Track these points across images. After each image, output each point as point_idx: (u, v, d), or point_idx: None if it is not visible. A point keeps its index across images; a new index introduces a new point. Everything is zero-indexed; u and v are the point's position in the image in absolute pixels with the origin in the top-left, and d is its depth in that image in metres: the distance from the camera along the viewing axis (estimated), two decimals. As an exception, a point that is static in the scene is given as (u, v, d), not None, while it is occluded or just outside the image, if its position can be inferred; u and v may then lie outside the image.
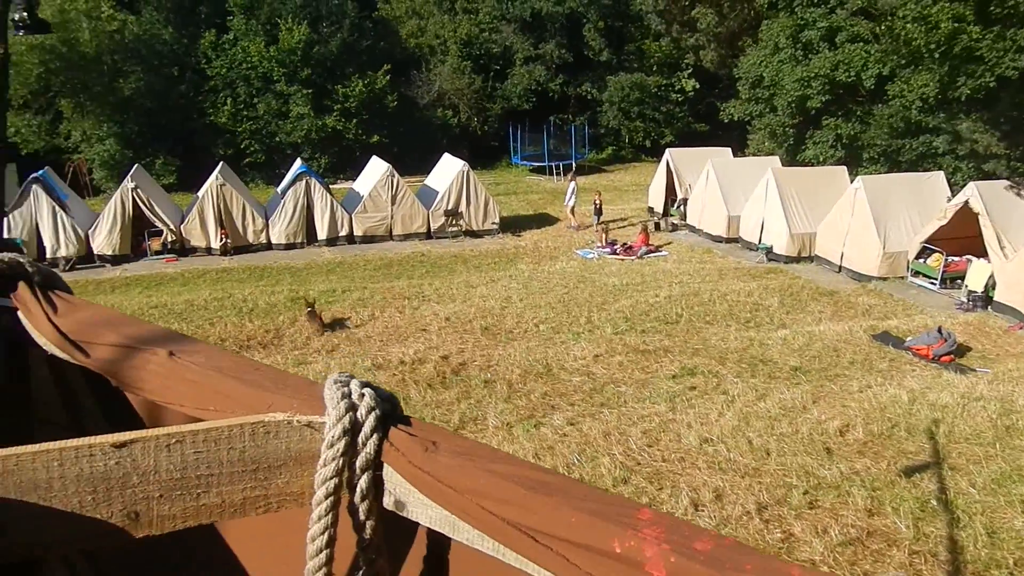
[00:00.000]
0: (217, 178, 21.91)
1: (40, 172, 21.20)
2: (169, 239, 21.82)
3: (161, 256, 21.59)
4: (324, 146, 35.42)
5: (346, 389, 1.21)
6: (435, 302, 16.57)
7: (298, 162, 25.19)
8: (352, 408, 1.19)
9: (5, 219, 20.58)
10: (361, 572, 1.19)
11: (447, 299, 16.83)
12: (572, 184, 26.10)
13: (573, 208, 25.51)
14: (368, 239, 23.09)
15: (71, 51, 31.32)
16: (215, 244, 21.93)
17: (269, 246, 22.53)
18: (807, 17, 27.68)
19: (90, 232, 21.12)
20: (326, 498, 1.16)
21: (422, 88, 38.94)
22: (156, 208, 21.62)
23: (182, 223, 22.17)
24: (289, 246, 22.48)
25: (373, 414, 1.19)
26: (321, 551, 1.14)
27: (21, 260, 1.61)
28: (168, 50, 34.96)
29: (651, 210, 26.97)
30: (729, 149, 27.40)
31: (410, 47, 40.40)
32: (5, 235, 19.18)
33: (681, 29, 37.04)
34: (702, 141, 34.41)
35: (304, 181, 22.72)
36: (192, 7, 36.67)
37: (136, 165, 23.74)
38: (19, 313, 1.60)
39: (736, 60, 32.44)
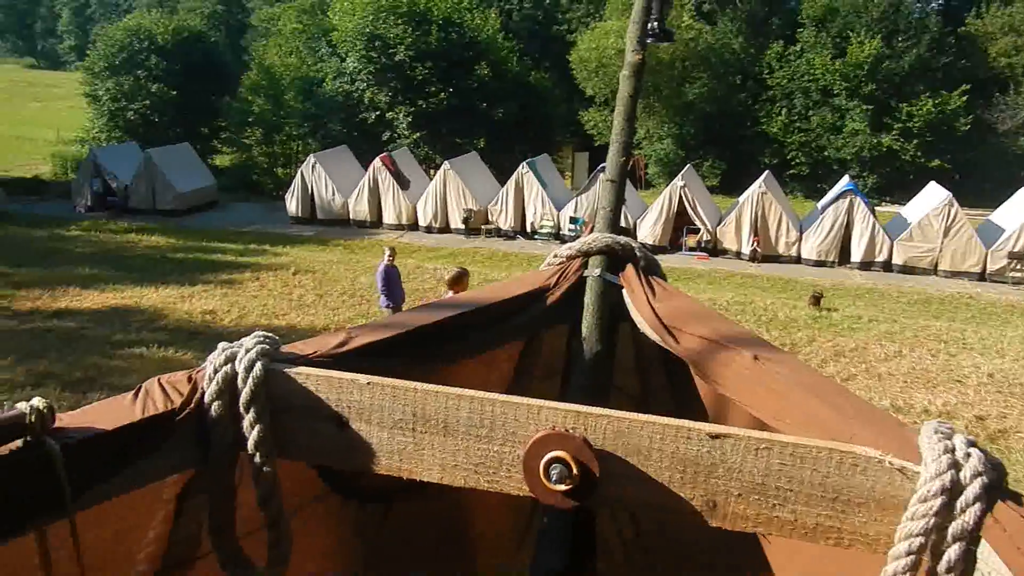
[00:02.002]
0: (760, 186, 22.26)
1: (608, 163, 24.10)
2: (704, 238, 22.91)
3: (694, 253, 22.79)
4: (875, 165, 33.51)
5: (949, 443, 1.08)
6: (978, 353, 14.54)
7: (845, 179, 24.27)
8: (954, 466, 1.06)
9: (576, 200, 23.84)
10: None
11: (993, 352, 14.64)
12: None
13: None
14: (907, 269, 21.24)
15: (650, 56, 34.58)
16: (745, 249, 22.36)
17: (798, 260, 22.18)
18: None
19: (638, 221, 23.24)
20: (907, 555, 1.05)
21: (1005, 113, 34.25)
22: (698, 207, 22.85)
23: (718, 224, 23.07)
24: (819, 263, 21.84)
25: (980, 479, 1.04)
26: None
27: (633, 245, 1.78)
28: (735, 59, 36.47)
29: None
30: None
31: (998, 67, 35.75)
32: (572, 214, 22.05)
33: None
34: None
35: (848, 199, 21.80)
36: (765, 19, 37.63)
37: (688, 165, 25.39)
38: (624, 291, 1.77)
39: None
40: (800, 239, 22.28)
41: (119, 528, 1.30)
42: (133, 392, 1.29)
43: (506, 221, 24.72)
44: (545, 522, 1.71)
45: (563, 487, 1.18)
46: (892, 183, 32.92)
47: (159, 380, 1.32)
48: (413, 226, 25.55)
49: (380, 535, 1.78)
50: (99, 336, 12.84)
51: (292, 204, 26.55)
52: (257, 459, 1.30)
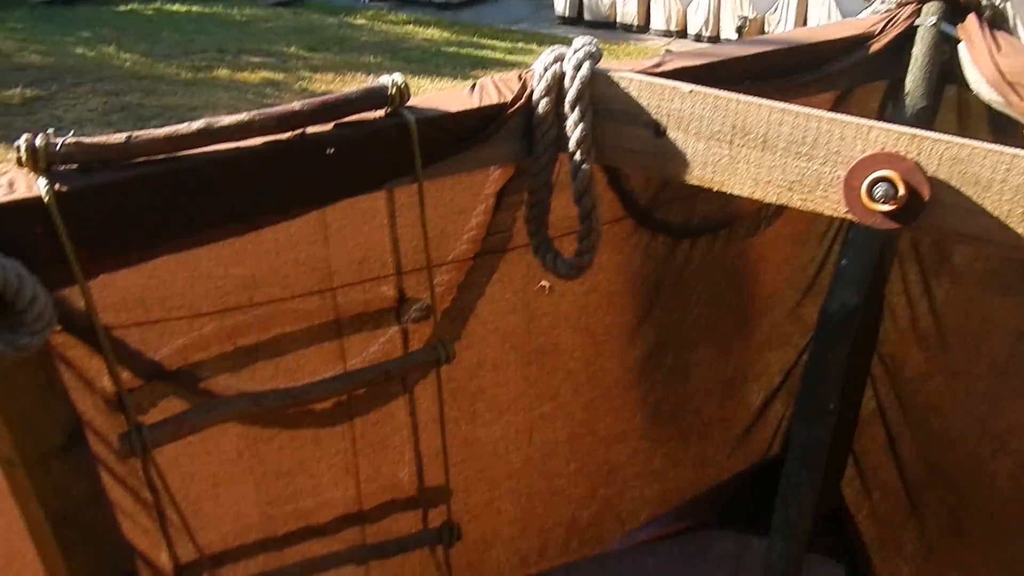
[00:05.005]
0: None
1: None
2: None
3: None
4: None
5: None
6: None
7: None
8: None
9: (869, 8, 21.28)
10: None
11: None
12: None
13: None
14: None
15: None
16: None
17: None
18: None
19: None
20: None
21: None
22: None
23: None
24: None
25: None
26: None
27: None
28: None
29: None
30: None
31: None
32: None
33: None
34: None
35: None
36: None
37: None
38: (960, 46, 1.60)
39: None
40: None
41: (448, 210, 1.46)
42: (469, 87, 1.40)
43: (785, 31, 22.76)
44: (844, 264, 1.69)
45: (886, 207, 1.14)
46: None
47: (492, 79, 1.42)
48: (682, 33, 24.27)
49: (667, 267, 1.85)
50: (382, 121, 13.91)
51: (560, 3, 26.11)
52: (577, 157, 1.38)
